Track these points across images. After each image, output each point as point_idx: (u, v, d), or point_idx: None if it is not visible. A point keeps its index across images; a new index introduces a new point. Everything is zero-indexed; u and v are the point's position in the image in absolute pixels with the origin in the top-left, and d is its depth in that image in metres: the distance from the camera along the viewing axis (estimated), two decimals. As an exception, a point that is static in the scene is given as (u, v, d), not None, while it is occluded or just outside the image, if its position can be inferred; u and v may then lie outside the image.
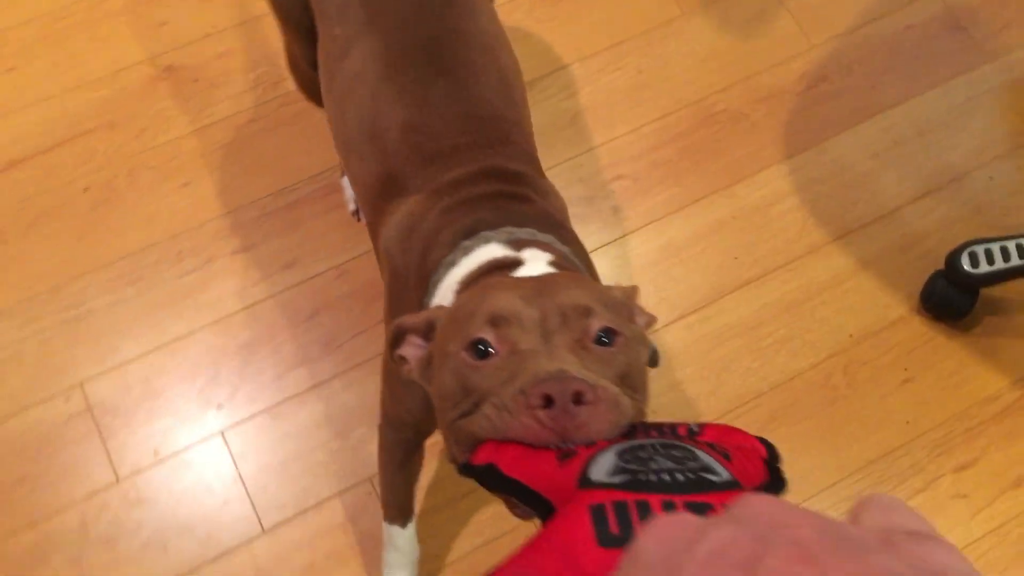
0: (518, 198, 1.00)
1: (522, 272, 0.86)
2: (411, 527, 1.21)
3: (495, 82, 1.09)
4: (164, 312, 1.45)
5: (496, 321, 0.66)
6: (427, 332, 0.78)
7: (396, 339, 0.80)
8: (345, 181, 1.51)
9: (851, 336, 1.49)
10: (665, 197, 1.58)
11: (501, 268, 0.87)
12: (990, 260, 1.42)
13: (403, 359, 0.79)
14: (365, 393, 1.40)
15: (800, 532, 0.30)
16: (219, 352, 1.42)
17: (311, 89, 1.35)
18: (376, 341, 1.43)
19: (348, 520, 1.33)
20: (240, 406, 1.39)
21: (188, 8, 1.67)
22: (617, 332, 0.67)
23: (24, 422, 1.37)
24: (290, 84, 1.55)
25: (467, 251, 0.91)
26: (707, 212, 1.57)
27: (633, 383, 0.66)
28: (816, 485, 1.39)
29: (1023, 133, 1.65)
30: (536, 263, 0.88)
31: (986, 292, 1.47)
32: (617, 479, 0.49)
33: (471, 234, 0.93)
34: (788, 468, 0.53)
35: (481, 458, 0.59)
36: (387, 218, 1.03)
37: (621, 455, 0.52)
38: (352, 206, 1.51)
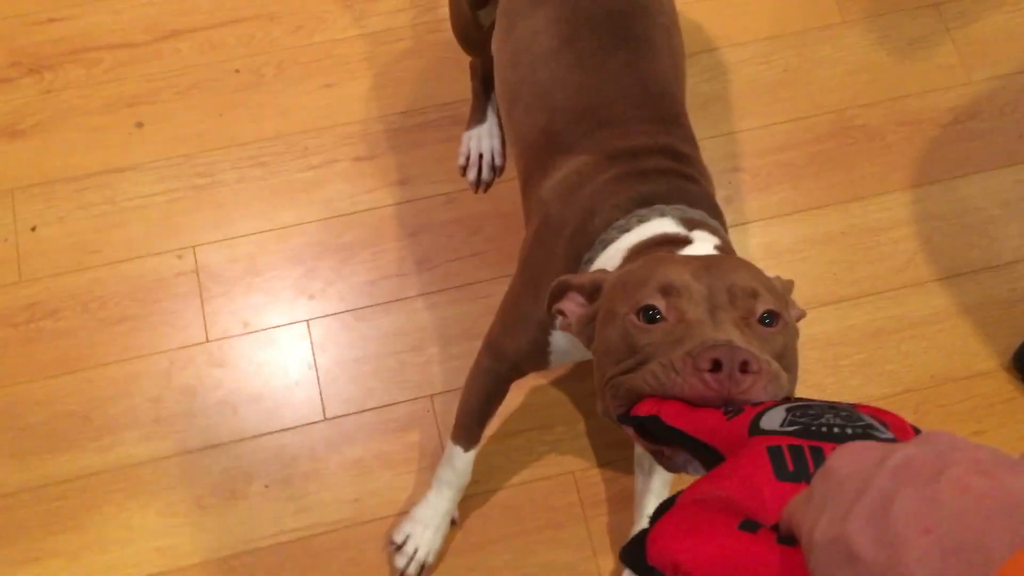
0: (689, 178, 1.04)
1: (689, 251, 0.89)
2: (472, 453, 1.26)
3: (668, 62, 1.11)
4: (281, 199, 1.54)
5: (667, 290, 0.71)
6: (591, 292, 0.82)
7: (558, 294, 0.85)
8: (466, 136, 1.54)
9: (932, 377, 1.46)
10: (780, 198, 1.57)
11: (670, 243, 0.91)
12: (1096, 334, 1.38)
13: (560, 312, 0.85)
14: (445, 316, 1.46)
15: (977, 453, 0.34)
16: (322, 247, 1.51)
17: (464, 30, 1.39)
18: (467, 271, 1.49)
19: (401, 429, 1.40)
20: (330, 301, 1.48)
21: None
22: (779, 315, 0.72)
23: (138, 268, 1.48)
24: (442, 12, 1.61)
25: (642, 220, 0.95)
26: (818, 222, 1.56)
27: (787, 364, 0.70)
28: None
29: None
30: (703, 244, 0.92)
31: (1085, 366, 1.43)
32: (790, 428, 0.54)
33: (646, 204, 0.97)
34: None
35: (644, 410, 0.65)
36: (550, 171, 1.07)
37: (791, 411, 0.56)
38: (462, 160, 1.54)
